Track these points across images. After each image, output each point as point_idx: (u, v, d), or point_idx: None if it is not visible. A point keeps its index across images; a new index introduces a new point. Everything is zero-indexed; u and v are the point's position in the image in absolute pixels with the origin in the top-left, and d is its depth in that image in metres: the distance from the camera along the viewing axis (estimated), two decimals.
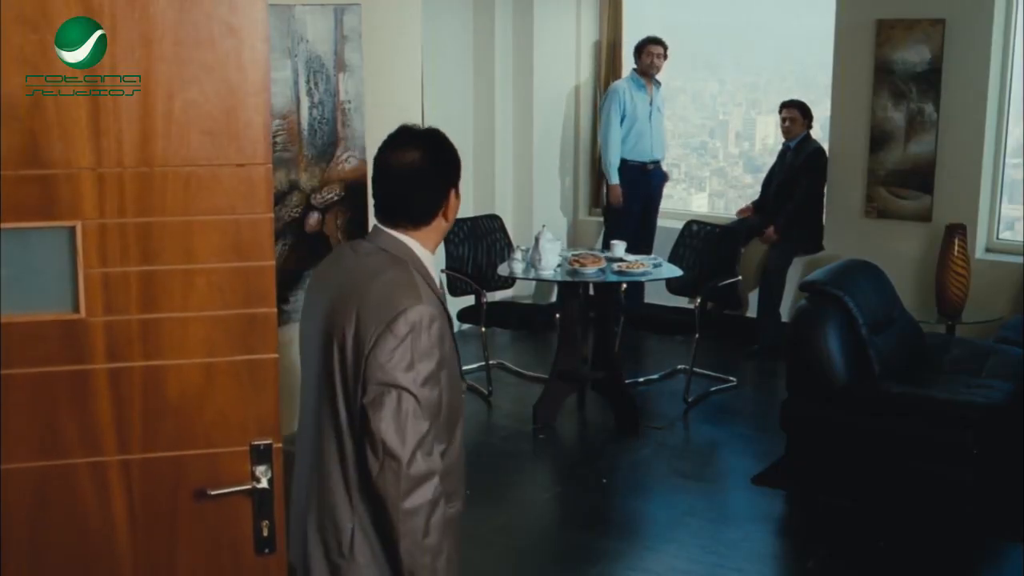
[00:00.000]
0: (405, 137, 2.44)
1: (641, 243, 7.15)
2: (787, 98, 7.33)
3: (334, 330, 2.34)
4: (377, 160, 2.45)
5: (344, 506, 2.37)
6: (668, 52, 7.36)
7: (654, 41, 7.35)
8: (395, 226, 2.44)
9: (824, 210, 7.13)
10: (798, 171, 7.13)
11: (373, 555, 2.36)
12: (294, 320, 4.50)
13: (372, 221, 2.53)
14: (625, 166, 7.41)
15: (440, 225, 2.47)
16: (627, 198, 7.39)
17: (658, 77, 7.46)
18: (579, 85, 8.04)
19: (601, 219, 7.88)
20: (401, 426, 2.25)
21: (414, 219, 2.43)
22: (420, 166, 2.40)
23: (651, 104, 7.43)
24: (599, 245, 7.69)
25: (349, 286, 2.37)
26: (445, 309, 2.40)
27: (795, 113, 7.18)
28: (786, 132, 7.25)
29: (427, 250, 2.46)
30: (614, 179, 7.40)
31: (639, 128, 7.41)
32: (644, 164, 7.46)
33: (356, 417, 2.32)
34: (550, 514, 5.19)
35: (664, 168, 7.70)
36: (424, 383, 2.28)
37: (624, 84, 7.46)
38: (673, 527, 4.89)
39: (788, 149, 7.26)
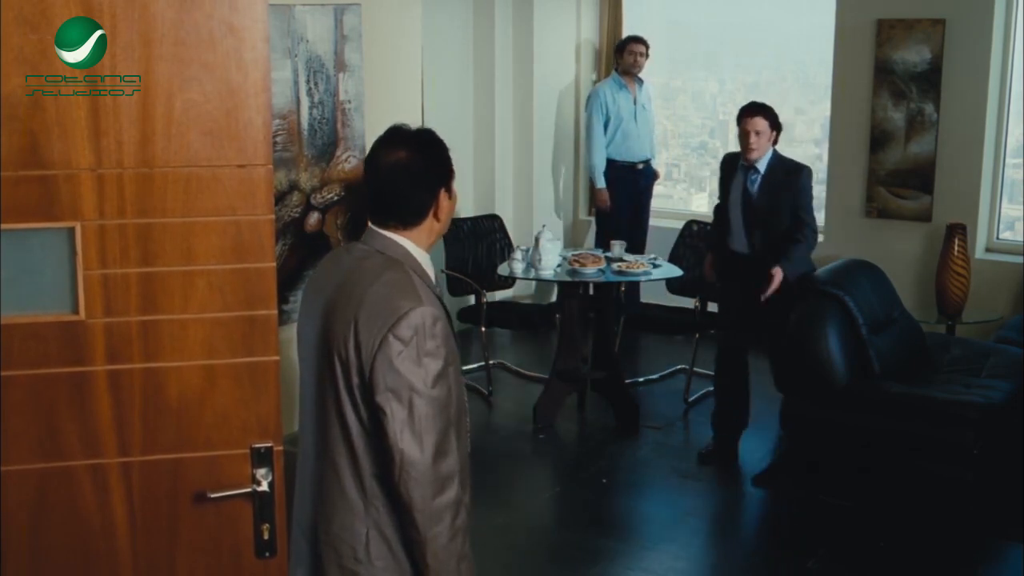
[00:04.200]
0: (395, 136, 2.41)
1: (633, 243, 7.10)
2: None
3: (333, 335, 2.31)
4: (367, 160, 2.43)
5: (358, 510, 2.33)
6: (649, 50, 7.28)
7: (636, 40, 7.30)
8: (387, 227, 2.41)
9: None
10: (791, 194, 5.20)
11: (391, 556, 2.33)
12: (294, 320, 4.50)
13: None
14: (614, 167, 7.36)
15: (432, 226, 2.43)
16: (616, 199, 7.35)
17: (643, 75, 7.41)
18: (579, 85, 8.02)
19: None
20: (416, 430, 2.23)
21: (404, 219, 2.39)
22: (408, 164, 2.36)
23: (635, 103, 7.38)
24: (589, 245, 7.68)
25: (346, 289, 2.34)
26: (444, 308, 2.39)
27: (763, 124, 5.16)
28: (753, 149, 5.16)
29: (421, 250, 2.44)
30: (600, 183, 7.35)
31: (625, 128, 7.35)
32: (634, 164, 7.41)
33: (366, 422, 2.29)
34: (550, 514, 5.18)
35: (656, 166, 7.67)
36: (434, 384, 2.25)
37: (605, 86, 7.41)
38: (673, 527, 4.88)
39: (753, 170, 5.24)
